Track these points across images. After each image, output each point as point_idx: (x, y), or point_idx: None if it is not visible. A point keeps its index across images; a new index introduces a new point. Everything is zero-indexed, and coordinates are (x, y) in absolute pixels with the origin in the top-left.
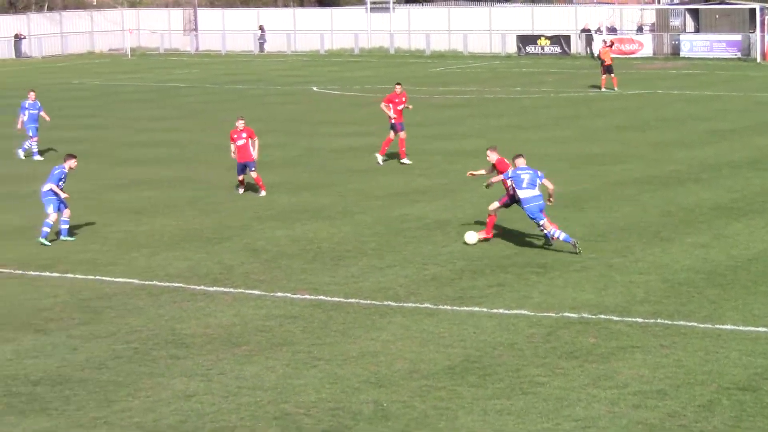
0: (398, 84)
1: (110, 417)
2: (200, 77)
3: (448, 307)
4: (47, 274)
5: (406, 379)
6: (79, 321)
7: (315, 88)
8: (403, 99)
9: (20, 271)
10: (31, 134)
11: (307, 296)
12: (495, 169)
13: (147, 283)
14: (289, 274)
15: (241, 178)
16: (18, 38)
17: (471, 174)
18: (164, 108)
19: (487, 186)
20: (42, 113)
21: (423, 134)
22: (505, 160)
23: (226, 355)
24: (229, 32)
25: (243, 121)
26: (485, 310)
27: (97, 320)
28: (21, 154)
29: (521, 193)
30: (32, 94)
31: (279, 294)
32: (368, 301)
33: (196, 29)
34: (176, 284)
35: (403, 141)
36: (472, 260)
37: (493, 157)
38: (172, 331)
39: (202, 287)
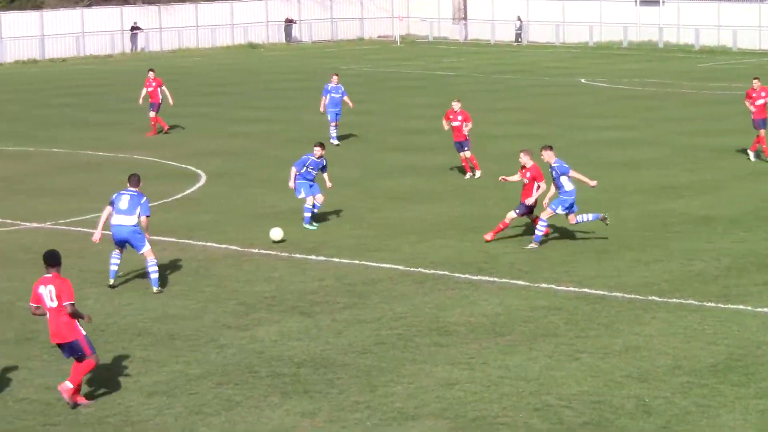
0: (756, 78)
1: (372, 402)
2: (468, 66)
3: (713, 304)
4: (313, 257)
5: (669, 375)
6: (343, 305)
7: (582, 80)
8: (762, 94)
9: (287, 254)
10: (329, 119)
11: (572, 288)
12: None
13: (412, 270)
14: (553, 265)
15: (462, 158)
16: (288, 23)
17: (503, 179)
18: (432, 96)
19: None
20: (345, 98)
21: (688, 129)
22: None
23: (489, 345)
24: (497, 22)
25: (459, 104)
26: (750, 308)
27: (362, 305)
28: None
29: (571, 185)
30: (335, 78)
31: (543, 285)
32: (632, 296)
33: (465, 18)
34: (441, 272)
35: (762, 138)
36: (737, 258)
37: (527, 160)
38: (436, 319)
39: (466, 276)
